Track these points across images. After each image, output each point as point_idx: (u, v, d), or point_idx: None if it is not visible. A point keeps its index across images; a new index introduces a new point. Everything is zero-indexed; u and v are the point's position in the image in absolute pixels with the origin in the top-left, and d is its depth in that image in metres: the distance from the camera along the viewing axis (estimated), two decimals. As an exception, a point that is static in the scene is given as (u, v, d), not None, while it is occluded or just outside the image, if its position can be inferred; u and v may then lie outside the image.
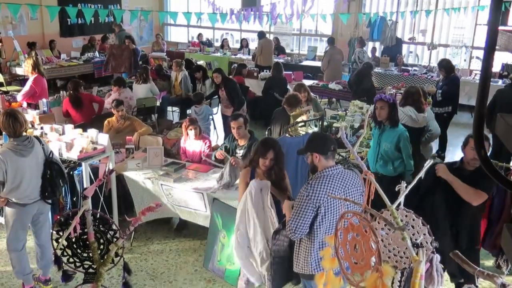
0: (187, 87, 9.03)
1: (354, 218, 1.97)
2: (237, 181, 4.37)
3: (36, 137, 4.10)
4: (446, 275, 3.73)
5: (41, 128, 5.24)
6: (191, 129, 5.35)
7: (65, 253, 2.94)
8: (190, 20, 10.16)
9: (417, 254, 1.93)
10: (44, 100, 6.76)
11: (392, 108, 4.69)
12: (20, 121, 3.83)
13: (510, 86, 6.78)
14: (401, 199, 2.50)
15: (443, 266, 2.41)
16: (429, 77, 10.25)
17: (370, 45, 12.30)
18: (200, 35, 14.33)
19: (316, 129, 5.57)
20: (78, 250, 2.94)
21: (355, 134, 6.14)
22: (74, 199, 4.88)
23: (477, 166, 3.62)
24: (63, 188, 4.78)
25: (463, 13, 10.93)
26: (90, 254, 2.90)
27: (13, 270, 4.13)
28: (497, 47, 1.18)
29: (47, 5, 9.03)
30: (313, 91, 8.76)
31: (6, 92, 7.77)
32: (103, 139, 4.96)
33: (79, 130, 5.17)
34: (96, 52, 11.98)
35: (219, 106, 8.45)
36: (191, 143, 5.45)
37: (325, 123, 6.11)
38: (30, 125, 5.35)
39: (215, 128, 8.26)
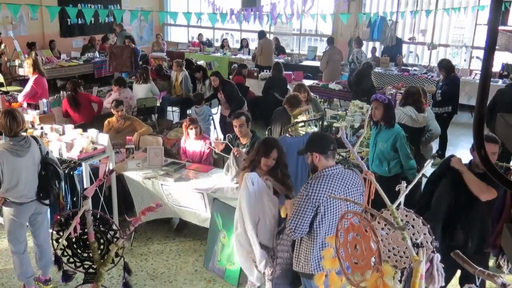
0: (187, 87, 9.04)
1: (355, 218, 1.97)
2: None
3: (33, 137, 4.10)
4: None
5: (41, 128, 5.24)
6: (191, 129, 5.34)
7: (65, 253, 2.93)
8: (190, 20, 10.17)
9: (417, 254, 1.93)
10: (44, 100, 6.76)
11: (386, 109, 4.62)
12: (17, 120, 3.82)
13: (510, 86, 6.79)
14: (401, 199, 2.50)
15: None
16: (429, 77, 10.25)
17: (370, 45, 12.30)
18: (200, 35, 14.34)
19: (316, 129, 5.57)
20: (78, 250, 2.93)
21: (355, 134, 6.14)
22: (74, 199, 4.87)
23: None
24: (63, 188, 4.79)
25: (463, 13, 10.93)
26: (90, 254, 2.90)
27: (15, 272, 4.14)
28: (497, 47, 1.18)
29: (47, 5, 9.04)
30: (313, 91, 8.76)
31: (6, 92, 7.76)
32: (103, 139, 4.96)
33: (79, 130, 5.17)
34: (96, 52, 11.99)
35: (219, 107, 8.45)
36: (191, 143, 5.45)
37: (325, 123, 6.12)
38: (30, 125, 5.36)
39: (215, 128, 8.27)
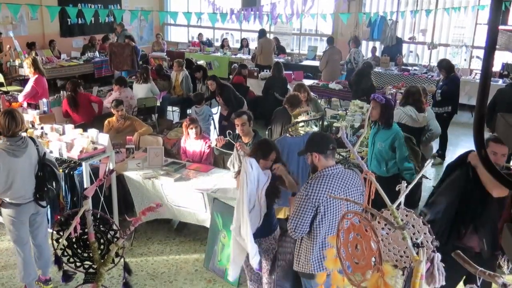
0: (188, 87, 9.04)
1: (355, 218, 1.97)
2: None
3: (31, 137, 4.08)
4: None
5: (42, 128, 5.24)
6: (192, 128, 5.34)
7: (65, 253, 2.93)
8: (190, 20, 10.17)
9: (417, 253, 1.93)
10: (45, 100, 6.76)
11: (384, 109, 4.59)
12: (16, 120, 3.80)
13: (511, 85, 6.79)
14: (402, 199, 2.50)
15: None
16: (429, 76, 10.25)
17: (370, 44, 12.30)
18: (200, 35, 14.34)
19: (316, 129, 5.56)
20: (79, 250, 2.93)
21: (356, 134, 6.14)
22: (74, 199, 4.87)
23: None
24: (63, 188, 4.79)
25: (463, 12, 10.93)
26: (91, 254, 2.89)
27: (19, 274, 4.13)
28: (497, 47, 1.18)
29: (47, 5, 9.03)
30: (313, 91, 8.76)
31: (7, 92, 7.77)
32: (104, 139, 4.96)
33: (80, 130, 5.17)
34: (97, 52, 11.99)
35: (219, 107, 8.46)
36: (191, 143, 5.45)
37: (325, 123, 6.11)
38: (30, 125, 5.36)
39: (215, 128, 8.27)
